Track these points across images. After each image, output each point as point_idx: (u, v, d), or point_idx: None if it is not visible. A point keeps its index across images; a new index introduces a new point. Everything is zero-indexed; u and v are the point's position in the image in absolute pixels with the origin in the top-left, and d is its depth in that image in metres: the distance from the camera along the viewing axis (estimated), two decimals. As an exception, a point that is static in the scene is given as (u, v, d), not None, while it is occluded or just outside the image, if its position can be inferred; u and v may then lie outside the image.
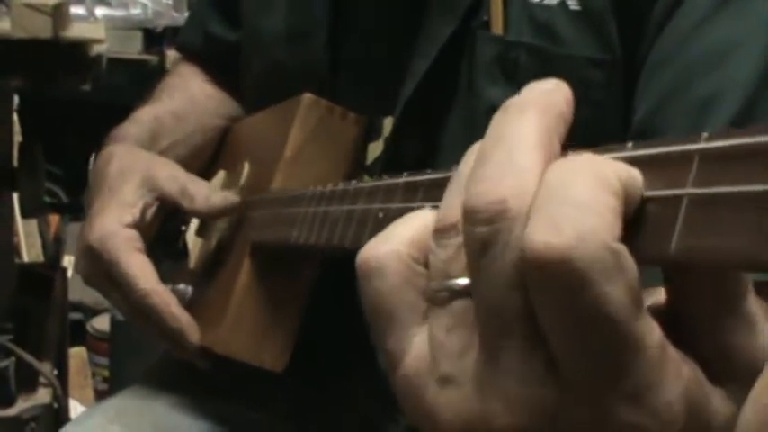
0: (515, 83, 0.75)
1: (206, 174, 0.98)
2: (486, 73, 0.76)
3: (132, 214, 0.84)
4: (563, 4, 0.74)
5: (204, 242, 0.93)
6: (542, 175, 0.31)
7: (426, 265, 0.34)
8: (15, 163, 1.50)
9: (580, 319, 0.29)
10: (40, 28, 1.29)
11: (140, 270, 0.82)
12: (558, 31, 0.74)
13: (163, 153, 0.94)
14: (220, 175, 0.97)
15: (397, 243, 0.35)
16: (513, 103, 0.33)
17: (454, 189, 0.34)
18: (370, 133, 0.85)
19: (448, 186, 0.35)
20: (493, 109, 0.74)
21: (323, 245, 0.65)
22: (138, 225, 0.84)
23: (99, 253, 0.83)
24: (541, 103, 0.32)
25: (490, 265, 0.31)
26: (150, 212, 0.86)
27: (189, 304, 0.88)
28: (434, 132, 0.79)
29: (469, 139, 0.77)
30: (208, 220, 0.89)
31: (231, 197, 0.84)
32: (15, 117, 1.93)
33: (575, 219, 0.29)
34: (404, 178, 0.53)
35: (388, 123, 0.83)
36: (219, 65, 1.06)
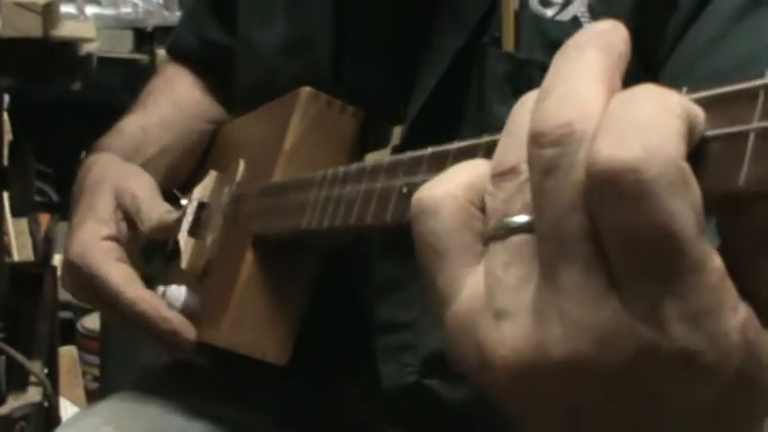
0: None
1: (196, 177, 0.98)
2: (496, 90, 0.75)
3: (108, 227, 0.85)
4: (576, 21, 0.72)
5: (197, 241, 0.93)
6: (606, 103, 0.31)
7: (482, 209, 0.35)
8: (5, 162, 1.50)
9: (644, 233, 0.29)
10: (31, 27, 1.29)
11: (123, 279, 0.82)
12: None
13: (151, 161, 0.95)
14: (212, 174, 0.97)
15: (454, 186, 0.36)
16: (572, 42, 0.34)
17: (509, 135, 0.35)
18: (381, 141, 0.85)
19: (501, 136, 0.35)
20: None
21: (338, 227, 0.65)
22: (116, 237, 0.85)
23: (79, 267, 0.83)
24: (601, 42, 0.33)
25: (555, 187, 0.31)
26: (123, 225, 0.86)
27: (184, 304, 0.88)
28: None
29: None
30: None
31: (168, 217, 0.85)
32: (5, 116, 1.93)
33: (642, 135, 0.29)
34: (429, 150, 0.53)
35: (397, 132, 0.83)
36: (214, 69, 1.06)
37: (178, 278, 0.87)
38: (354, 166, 0.65)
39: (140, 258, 0.89)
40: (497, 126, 0.75)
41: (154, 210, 0.86)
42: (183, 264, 0.92)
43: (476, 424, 0.81)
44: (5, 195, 1.61)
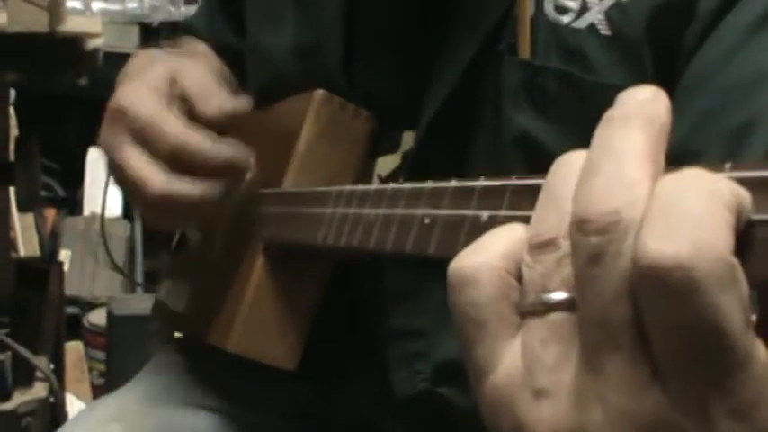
0: (543, 109, 0.73)
1: None
2: (512, 98, 0.74)
3: (164, 83, 0.80)
4: (593, 28, 0.72)
5: (205, 235, 0.93)
6: (653, 187, 0.31)
7: (519, 278, 0.35)
8: (11, 157, 1.50)
9: (691, 328, 0.29)
10: (37, 22, 1.29)
11: (170, 120, 0.76)
12: (588, 57, 0.72)
13: None
14: None
15: (492, 255, 0.35)
16: (617, 115, 0.33)
17: (546, 203, 0.34)
18: (391, 145, 0.84)
19: (539, 201, 0.35)
20: (521, 136, 0.73)
21: (355, 248, 0.64)
22: (166, 96, 0.79)
23: (128, 111, 0.77)
24: (646, 115, 0.33)
25: (600, 275, 0.31)
26: (174, 107, 0.80)
27: (189, 300, 0.88)
28: (459, 154, 0.78)
29: (495, 161, 0.76)
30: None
31: (242, 103, 0.80)
32: (12, 111, 1.93)
33: (690, 229, 0.29)
34: (453, 183, 0.53)
35: (408, 137, 0.82)
36: (230, 68, 1.05)
37: (183, 269, 0.87)
38: (373, 187, 0.64)
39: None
40: (513, 134, 0.74)
41: (223, 95, 0.80)
42: (190, 255, 0.92)
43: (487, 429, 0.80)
44: (12, 190, 1.61)
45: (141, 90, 0.78)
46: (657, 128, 0.32)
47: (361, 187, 0.67)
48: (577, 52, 0.72)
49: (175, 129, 0.75)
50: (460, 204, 0.51)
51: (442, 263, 0.52)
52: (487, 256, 0.35)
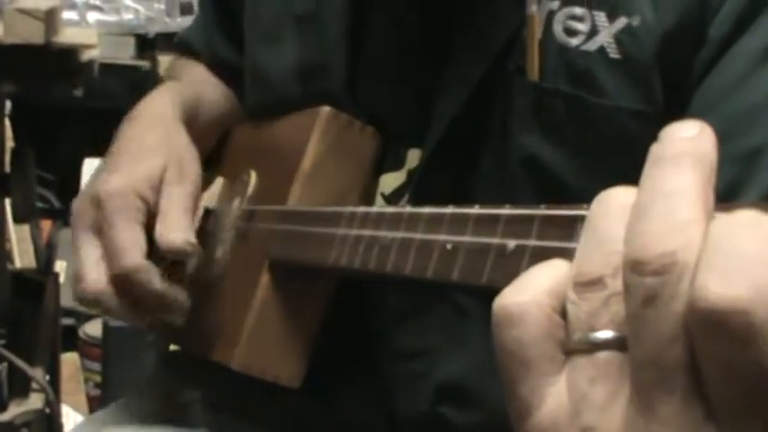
0: (551, 131, 0.73)
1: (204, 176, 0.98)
2: (520, 120, 0.74)
3: (148, 190, 0.81)
4: (602, 51, 0.72)
5: (204, 251, 0.92)
6: (707, 228, 0.31)
7: (563, 315, 0.35)
8: (7, 168, 1.50)
9: (748, 372, 0.29)
10: (33, 33, 1.29)
11: (133, 240, 0.78)
12: (597, 80, 0.72)
13: (197, 135, 0.92)
14: (218, 182, 0.96)
15: (538, 293, 0.35)
16: (667, 154, 0.33)
17: (591, 241, 0.34)
18: (395, 162, 0.84)
19: (582, 238, 0.35)
20: (528, 158, 0.73)
21: (370, 271, 0.64)
22: (149, 201, 0.81)
23: (103, 206, 0.79)
24: (696, 153, 0.33)
25: (655, 316, 0.31)
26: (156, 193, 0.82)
27: (191, 314, 0.87)
28: (465, 174, 0.78)
29: (502, 183, 0.76)
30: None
31: (189, 246, 0.80)
32: (7, 122, 1.93)
33: (748, 271, 0.29)
34: (475, 210, 0.53)
35: (412, 155, 0.82)
36: (223, 80, 1.05)
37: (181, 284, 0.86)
38: (389, 209, 0.64)
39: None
40: (520, 155, 0.74)
41: (182, 225, 0.81)
42: (189, 270, 0.91)
43: None
44: (7, 201, 1.61)
45: (126, 190, 0.80)
46: (707, 166, 0.32)
47: (375, 209, 0.66)
48: (586, 75, 0.72)
49: (132, 256, 0.77)
50: (484, 232, 0.51)
51: (466, 289, 0.52)
52: (533, 293, 0.35)
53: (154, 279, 0.78)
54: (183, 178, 0.84)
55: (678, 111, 0.71)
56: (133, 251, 0.78)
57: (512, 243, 0.48)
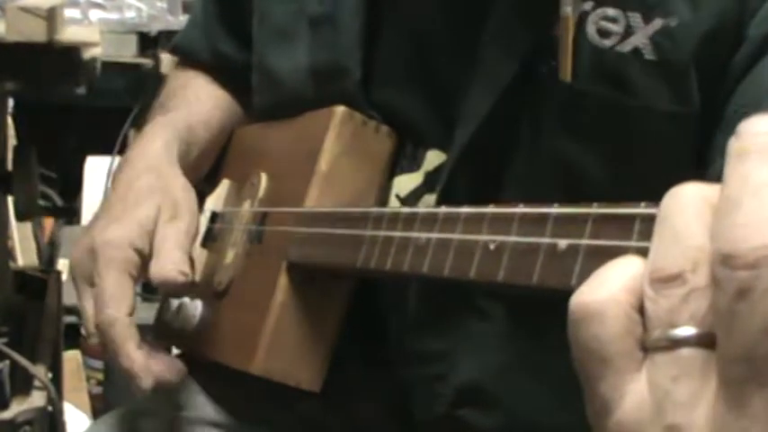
0: (584, 133, 0.73)
1: (209, 179, 0.97)
2: (552, 121, 0.74)
3: (142, 240, 0.82)
4: (637, 52, 0.71)
5: (212, 255, 0.91)
6: None
7: (641, 312, 0.35)
8: (10, 166, 1.50)
9: None
10: (35, 31, 1.29)
11: (117, 294, 0.79)
12: (631, 81, 0.71)
13: (191, 164, 0.93)
14: (225, 183, 0.95)
15: (616, 290, 0.35)
16: (751, 148, 0.33)
17: (666, 237, 0.34)
18: (410, 164, 0.84)
19: (656, 234, 0.35)
20: (560, 160, 0.73)
21: (404, 273, 0.63)
22: (143, 252, 0.82)
23: (97, 257, 0.81)
24: None
25: (747, 310, 0.31)
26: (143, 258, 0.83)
27: (200, 319, 0.87)
28: (493, 176, 0.77)
29: (532, 185, 0.76)
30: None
31: (181, 276, 0.80)
32: (10, 120, 1.93)
33: None
34: (520, 209, 0.52)
35: (431, 156, 0.82)
36: (229, 79, 1.05)
37: (189, 291, 0.85)
38: (422, 209, 0.64)
39: None
40: (552, 158, 0.74)
41: (172, 261, 0.82)
42: (196, 276, 0.90)
43: None
44: (10, 199, 1.61)
45: (120, 241, 0.81)
46: None
47: (406, 209, 0.66)
48: (620, 76, 0.71)
49: (112, 309, 0.78)
50: (532, 231, 0.51)
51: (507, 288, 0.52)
52: (611, 290, 0.35)
53: (127, 337, 0.78)
54: (177, 217, 0.84)
55: (714, 111, 0.70)
56: (114, 304, 0.78)
57: (563, 242, 0.48)
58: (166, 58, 2.46)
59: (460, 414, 0.80)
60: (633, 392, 0.34)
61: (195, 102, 1.01)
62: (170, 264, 0.80)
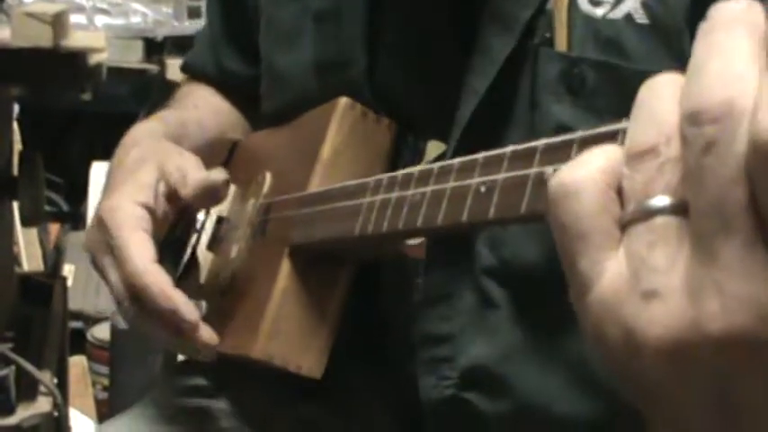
0: (581, 100, 0.73)
1: None
2: (549, 91, 0.74)
3: (146, 195, 0.82)
4: (629, 18, 0.72)
5: (217, 255, 0.92)
6: (762, 80, 0.32)
7: (618, 193, 0.36)
8: (15, 172, 1.50)
9: None
10: (41, 37, 1.29)
11: (138, 248, 0.79)
12: (626, 46, 0.72)
13: None
14: (231, 189, 0.96)
15: (594, 169, 0.36)
16: (719, 21, 0.34)
17: (640, 117, 0.36)
18: (413, 157, 0.84)
19: (632, 117, 0.36)
20: (558, 128, 0.75)
21: (400, 231, 0.64)
22: (150, 207, 0.82)
23: (106, 224, 0.81)
24: (747, 20, 0.33)
25: (714, 163, 0.32)
26: (163, 200, 0.84)
27: (205, 318, 0.87)
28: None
29: None
30: (201, 204, 0.87)
31: (216, 176, 0.83)
32: (15, 126, 1.93)
33: None
34: (509, 148, 0.53)
35: (433, 147, 0.82)
36: (236, 94, 1.06)
37: (195, 293, 0.85)
38: (417, 168, 0.64)
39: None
40: (552, 126, 0.74)
41: (203, 174, 0.84)
42: (202, 278, 0.91)
43: None
44: (15, 205, 1.61)
45: (124, 202, 0.82)
46: (759, 32, 0.33)
47: (403, 171, 0.66)
48: (614, 42, 0.72)
49: (138, 261, 0.79)
50: (520, 166, 0.51)
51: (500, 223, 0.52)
52: (589, 170, 0.36)
53: (161, 279, 0.78)
54: (181, 157, 0.86)
55: None
56: (136, 256, 0.79)
57: (550, 168, 0.49)
58: (172, 64, 2.47)
59: (467, 397, 0.80)
60: (611, 267, 0.35)
61: (192, 107, 1.03)
62: (202, 175, 0.83)
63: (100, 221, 0.83)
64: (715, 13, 0.34)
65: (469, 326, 0.79)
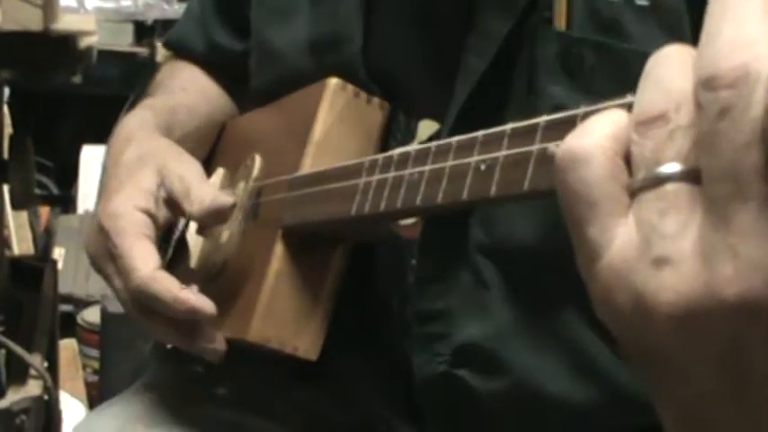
0: (580, 80, 0.73)
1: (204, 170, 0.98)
2: (547, 71, 0.74)
3: (147, 200, 0.81)
4: (629, 0, 0.72)
5: (208, 240, 0.91)
6: None
7: (626, 159, 0.36)
8: (5, 155, 1.50)
9: None
10: (31, 20, 1.29)
11: (142, 256, 0.78)
12: (625, 27, 0.72)
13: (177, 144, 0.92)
14: (219, 172, 0.96)
15: (600, 137, 0.36)
16: None
17: (649, 85, 0.35)
18: (404, 137, 0.84)
19: (640, 86, 0.36)
20: (556, 108, 0.75)
21: (398, 210, 0.64)
22: (152, 213, 0.81)
23: (107, 232, 0.80)
24: None
25: (729, 127, 0.32)
26: (163, 205, 0.83)
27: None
28: None
29: None
30: (205, 223, 0.85)
31: (225, 199, 0.81)
32: (5, 109, 1.93)
33: None
34: (509, 126, 0.53)
35: (424, 126, 0.82)
36: (224, 72, 1.05)
37: (185, 278, 0.85)
38: (414, 147, 0.64)
39: None
40: (550, 106, 0.74)
41: (207, 191, 0.82)
42: (193, 263, 0.90)
43: (504, 416, 0.80)
44: (5, 188, 1.61)
45: (125, 208, 0.81)
46: None
47: (399, 150, 0.66)
48: (613, 23, 0.72)
49: (144, 271, 0.77)
50: (521, 143, 0.51)
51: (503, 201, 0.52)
52: (597, 137, 0.36)
53: (171, 285, 0.77)
54: (181, 162, 0.85)
55: None
56: (142, 265, 0.78)
57: (552, 145, 0.48)
58: (162, 47, 2.46)
59: (460, 374, 0.80)
60: (621, 234, 0.35)
61: (180, 91, 1.02)
62: (207, 195, 0.81)
63: (101, 228, 0.81)
64: None
65: (463, 304, 0.79)
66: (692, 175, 0.33)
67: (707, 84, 0.32)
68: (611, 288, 0.35)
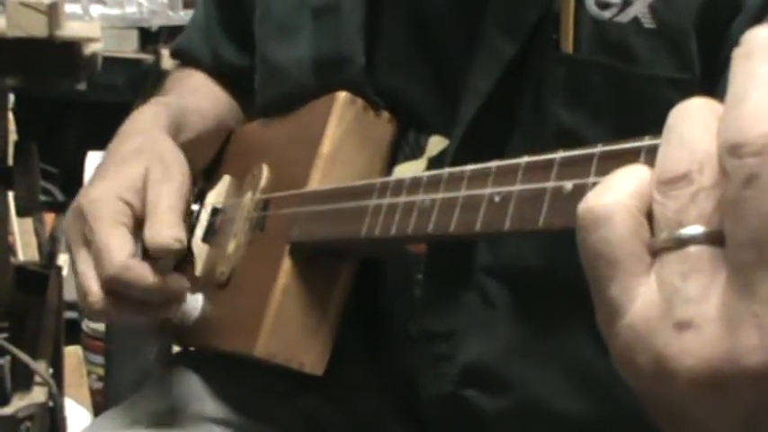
0: (587, 103, 0.73)
1: (210, 177, 0.97)
2: (554, 93, 0.74)
3: (128, 191, 0.81)
4: (636, 22, 0.71)
5: (213, 248, 0.91)
6: None
7: (648, 217, 0.35)
8: (10, 161, 1.50)
9: None
10: (36, 26, 1.29)
11: (116, 242, 0.78)
12: (632, 50, 0.72)
13: (185, 146, 0.92)
14: (225, 179, 0.96)
15: (622, 194, 0.36)
16: (756, 50, 0.33)
17: (673, 142, 0.35)
18: (413, 151, 0.84)
19: (663, 142, 0.36)
20: (562, 131, 0.74)
21: (409, 236, 0.64)
22: (131, 204, 0.81)
23: (85, 214, 0.80)
24: None
25: (756, 195, 0.31)
26: (135, 212, 0.82)
27: (201, 313, 0.87)
28: (498, 151, 0.77)
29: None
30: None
31: (177, 243, 0.79)
32: (11, 116, 1.93)
33: None
34: (524, 159, 0.53)
35: (434, 142, 0.82)
36: (229, 84, 1.05)
37: (191, 285, 0.85)
38: (426, 174, 0.64)
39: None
40: (555, 129, 0.74)
41: (166, 225, 0.80)
42: (198, 271, 0.90)
43: None
44: (10, 195, 1.61)
45: (107, 196, 0.81)
46: None
47: (410, 175, 0.66)
48: (620, 46, 0.72)
49: (119, 257, 0.77)
50: (536, 179, 0.51)
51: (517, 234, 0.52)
52: (618, 195, 0.36)
53: (145, 273, 0.77)
54: (168, 176, 0.84)
55: (715, 78, 0.70)
56: (116, 252, 0.77)
57: (569, 184, 0.48)
58: (167, 54, 2.46)
59: (467, 395, 0.80)
60: (643, 294, 0.35)
61: (191, 92, 1.02)
62: (166, 229, 0.79)
63: (79, 211, 0.81)
64: (752, 39, 0.34)
65: (469, 324, 0.79)
66: (714, 238, 0.33)
67: (733, 150, 0.32)
68: (632, 348, 0.35)
